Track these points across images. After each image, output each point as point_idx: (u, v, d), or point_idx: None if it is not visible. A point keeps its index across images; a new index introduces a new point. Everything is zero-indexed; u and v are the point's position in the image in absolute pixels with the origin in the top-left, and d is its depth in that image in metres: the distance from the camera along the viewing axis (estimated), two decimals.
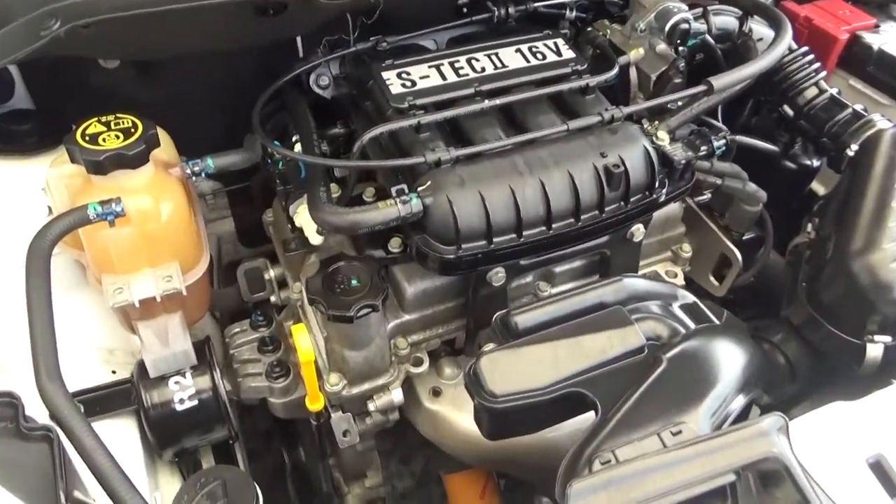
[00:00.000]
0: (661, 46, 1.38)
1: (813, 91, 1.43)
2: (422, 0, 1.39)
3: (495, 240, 1.11)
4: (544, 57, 1.28)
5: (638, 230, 1.25)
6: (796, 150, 1.55)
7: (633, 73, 1.39)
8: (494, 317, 1.05)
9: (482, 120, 1.20)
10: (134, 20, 1.04)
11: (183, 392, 1.15)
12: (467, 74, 1.24)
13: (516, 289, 1.26)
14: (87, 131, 1.08)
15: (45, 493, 0.83)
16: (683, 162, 1.20)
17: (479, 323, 1.24)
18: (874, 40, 1.55)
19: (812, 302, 1.23)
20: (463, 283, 1.21)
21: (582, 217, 1.14)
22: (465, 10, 1.37)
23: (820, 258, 1.25)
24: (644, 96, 1.39)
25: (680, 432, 0.84)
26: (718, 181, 1.38)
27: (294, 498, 1.68)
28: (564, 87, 1.23)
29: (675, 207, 1.37)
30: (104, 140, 1.07)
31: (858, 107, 1.39)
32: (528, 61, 1.27)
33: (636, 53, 1.35)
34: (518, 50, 1.29)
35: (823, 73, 1.44)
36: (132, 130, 1.09)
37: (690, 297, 1.10)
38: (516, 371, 0.94)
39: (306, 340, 1.09)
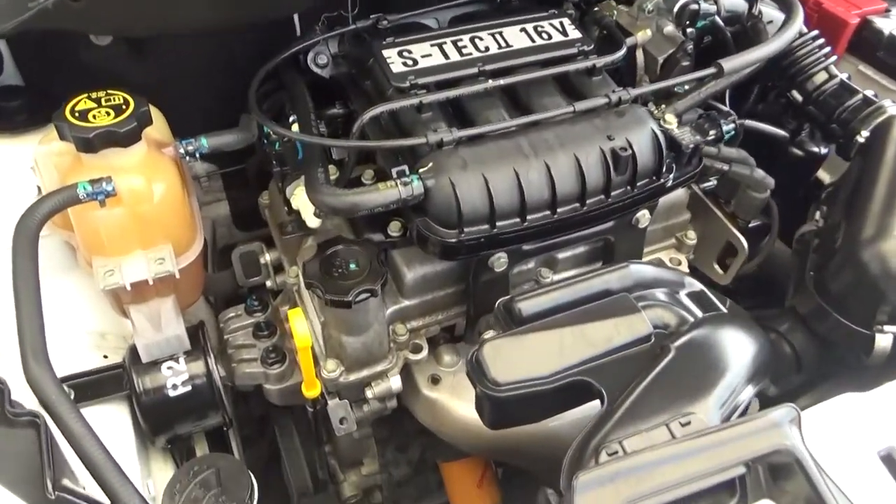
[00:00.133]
0: (669, 28, 1.35)
1: (822, 76, 1.40)
2: None
3: (498, 224, 1.08)
4: (550, 37, 1.25)
5: (643, 216, 1.22)
6: (803, 137, 1.52)
7: (639, 55, 1.36)
8: (497, 303, 1.02)
9: (486, 101, 1.17)
10: None
11: (176, 378, 1.13)
12: (471, 54, 1.21)
13: (518, 275, 1.24)
14: (77, 107, 1.05)
15: (31, 481, 0.80)
16: (692, 146, 1.17)
17: (479, 309, 1.21)
18: (885, 25, 1.51)
19: (820, 291, 1.20)
20: (463, 268, 1.19)
21: (587, 202, 1.11)
22: None
23: (828, 247, 1.22)
24: (650, 79, 1.36)
25: (689, 423, 0.81)
26: (725, 167, 1.35)
27: (289, 486, 1.67)
28: (570, 67, 1.20)
29: (680, 194, 1.34)
30: (94, 117, 1.04)
31: (869, 93, 1.36)
32: (533, 41, 1.24)
33: (643, 35, 1.32)
34: (523, 29, 1.26)
35: (834, 58, 1.41)
36: (123, 107, 1.06)
37: (698, 285, 1.08)
38: (520, 359, 0.91)
39: (303, 325, 1.07)
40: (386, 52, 1.20)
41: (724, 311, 1.03)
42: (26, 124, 1.33)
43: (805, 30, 1.41)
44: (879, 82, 1.52)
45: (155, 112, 1.14)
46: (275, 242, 1.40)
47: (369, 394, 1.21)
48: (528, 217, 1.09)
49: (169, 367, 1.13)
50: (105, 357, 1.19)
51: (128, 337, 1.20)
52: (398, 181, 1.05)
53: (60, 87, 1.09)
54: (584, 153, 1.10)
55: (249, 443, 1.65)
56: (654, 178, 1.15)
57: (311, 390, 1.17)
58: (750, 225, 1.47)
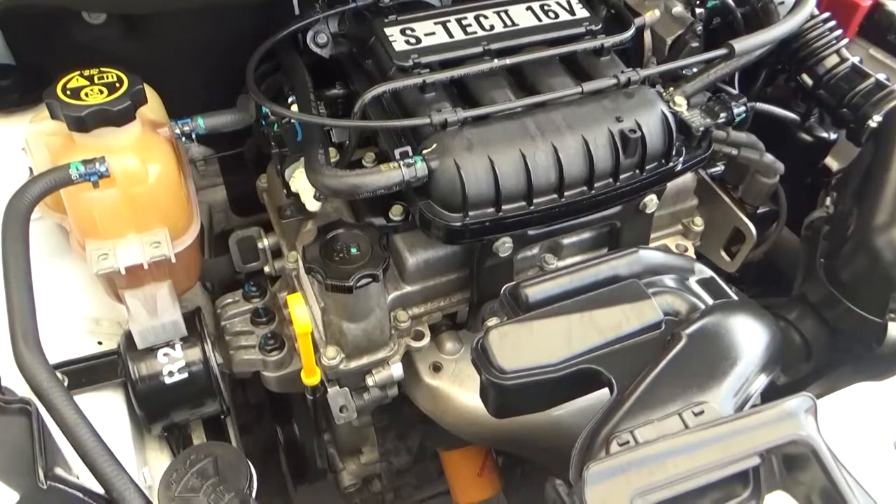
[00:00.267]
0: (678, 8, 1.32)
1: (834, 59, 1.37)
2: None
3: (504, 207, 1.05)
4: (557, 16, 1.22)
5: (651, 201, 1.19)
6: (812, 122, 1.50)
7: (647, 36, 1.33)
8: (503, 289, 0.99)
9: (491, 80, 1.13)
10: None
11: (172, 364, 1.10)
12: (475, 32, 1.17)
13: (521, 261, 1.21)
14: (69, 85, 1.02)
15: (22, 470, 0.77)
16: (702, 129, 1.14)
17: (482, 296, 1.19)
18: None
19: (830, 279, 1.18)
20: (467, 253, 1.16)
21: (595, 185, 1.08)
22: None
23: (840, 234, 1.20)
24: (658, 61, 1.33)
25: (702, 412, 0.79)
26: (734, 151, 1.32)
27: (287, 474, 1.65)
28: (578, 47, 1.17)
29: (688, 179, 1.31)
30: (87, 95, 1.00)
31: (881, 76, 1.34)
32: (539, 20, 1.21)
33: (651, 15, 1.29)
34: (529, 8, 1.22)
35: (845, 41, 1.38)
36: (117, 85, 1.02)
37: (708, 272, 1.05)
38: (527, 346, 0.89)
39: (303, 311, 1.04)
40: (388, 31, 1.17)
41: (735, 298, 1.01)
42: (17, 103, 1.29)
43: (816, 12, 1.38)
44: (891, 66, 1.49)
45: (150, 92, 1.11)
46: (273, 227, 1.37)
47: (370, 381, 1.19)
48: (535, 200, 1.06)
49: (165, 354, 1.11)
50: (99, 343, 1.16)
51: (123, 323, 1.17)
52: (401, 162, 1.02)
53: (53, 67, 1.06)
54: (593, 135, 1.07)
55: (247, 430, 1.64)
56: (664, 161, 1.13)
57: (311, 378, 1.14)
58: (758, 211, 1.45)
